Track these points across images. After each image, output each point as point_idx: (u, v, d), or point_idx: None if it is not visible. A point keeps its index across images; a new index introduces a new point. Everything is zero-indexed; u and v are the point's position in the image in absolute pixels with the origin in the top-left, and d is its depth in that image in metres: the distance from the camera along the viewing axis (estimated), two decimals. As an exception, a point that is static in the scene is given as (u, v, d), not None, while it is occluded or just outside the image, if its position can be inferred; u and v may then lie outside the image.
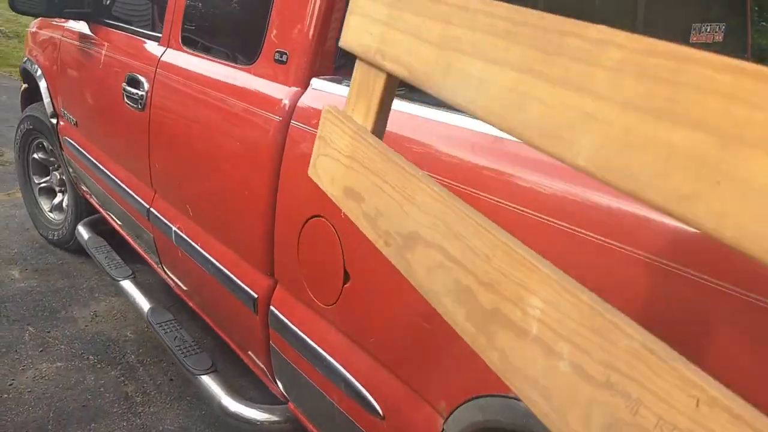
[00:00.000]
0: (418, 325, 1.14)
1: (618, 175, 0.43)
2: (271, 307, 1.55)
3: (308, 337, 1.42)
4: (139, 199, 2.19)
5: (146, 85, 2.08)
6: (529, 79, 0.51)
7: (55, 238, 3.29)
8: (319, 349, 1.38)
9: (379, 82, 0.76)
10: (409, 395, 1.18)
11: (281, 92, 1.53)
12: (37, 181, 3.43)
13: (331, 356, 1.36)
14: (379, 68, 0.75)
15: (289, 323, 1.48)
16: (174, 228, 1.96)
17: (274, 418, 1.77)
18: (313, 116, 1.42)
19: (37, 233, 3.43)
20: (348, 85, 1.38)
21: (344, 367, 1.32)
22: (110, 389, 2.33)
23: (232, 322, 1.82)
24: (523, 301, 0.49)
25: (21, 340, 2.56)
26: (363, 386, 1.28)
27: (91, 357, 2.50)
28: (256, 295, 1.60)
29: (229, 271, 1.71)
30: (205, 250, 1.81)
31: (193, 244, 1.86)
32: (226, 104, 1.69)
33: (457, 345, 1.07)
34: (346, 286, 1.31)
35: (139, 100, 2.10)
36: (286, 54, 1.55)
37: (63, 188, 3.33)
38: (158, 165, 2.03)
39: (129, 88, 2.15)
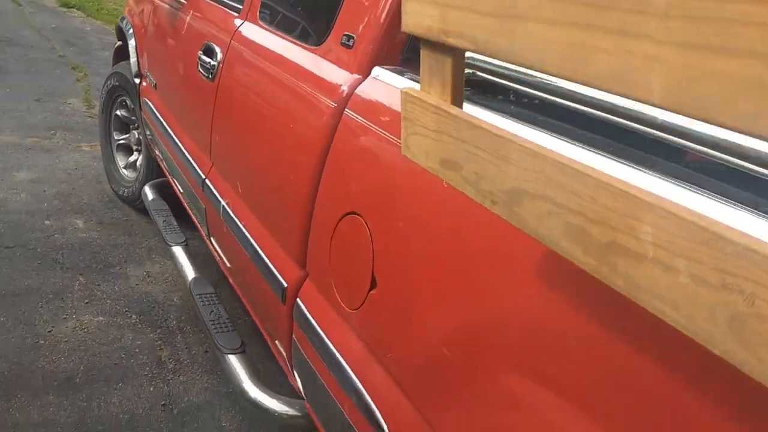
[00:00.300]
0: (439, 352, 1.04)
1: (691, 108, 0.47)
2: (298, 300, 1.48)
3: (328, 338, 1.34)
4: (198, 169, 2.17)
5: (219, 56, 2.05)
6: (591, 33, 0.54)
7: (124, 194, 3.35)
8: (337, 354, 1.30)
9: (447, 59, 0.79)
10: (422, 426, 1.08)
11: (341, 78, 1.45)
12: (116, 137, 3.51)
13: (347, 364, 1.27)
14: (445, 45, 0.78)
15: (312, 320, 1.41)
16: (223, 202, 1.93)
17: (292, 411, 1.71)
18: (366, 107, 1.34)
19: (108, 187, 3.51)
20: (411, 78, 1.31)
21: (359, 379, 1.24)
22: (145, 351, 2.33)
23: (262, 307, 1.77)
24: (635, 230, 0.54)
25: (69, 289, 2.61)
26: (375, 404, 1.19)
27: (133, 316, 2.52)
28: (285, 284, 1.54)
29: (265, 254, 1.65)
30: (246, 230, 1.76)
31: (237, 221, 1.81)
32: (286, 83, 1.64)
33: (476, 384, 0.96)
34: (371, 292, 1.22)
35: (211, 70, 2.07)
36: (353, 38, 1.47)
37: (139, 147, 3.39)
38: (218, 137, 2.00)
39: (204, 57, 2.13)
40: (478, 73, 1.18)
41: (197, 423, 2.06)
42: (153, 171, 3.11)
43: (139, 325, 2.47)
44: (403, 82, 1.29)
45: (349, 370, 1.26)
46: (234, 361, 1.86)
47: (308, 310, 1.44)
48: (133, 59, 3.10)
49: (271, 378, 2.24)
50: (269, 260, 1.63)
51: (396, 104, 1.25)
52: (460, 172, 0.77)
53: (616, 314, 0.77)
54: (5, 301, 2.46)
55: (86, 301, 2.56)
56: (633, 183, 0.55)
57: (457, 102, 0.82)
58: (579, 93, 0.93)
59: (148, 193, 2.88)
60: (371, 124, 1.29)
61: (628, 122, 0.85)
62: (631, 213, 0.54)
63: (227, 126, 1.95)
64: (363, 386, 1.22)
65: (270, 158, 1.67)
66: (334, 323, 1.34)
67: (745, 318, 0.45)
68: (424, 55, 0.84)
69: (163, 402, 2.12)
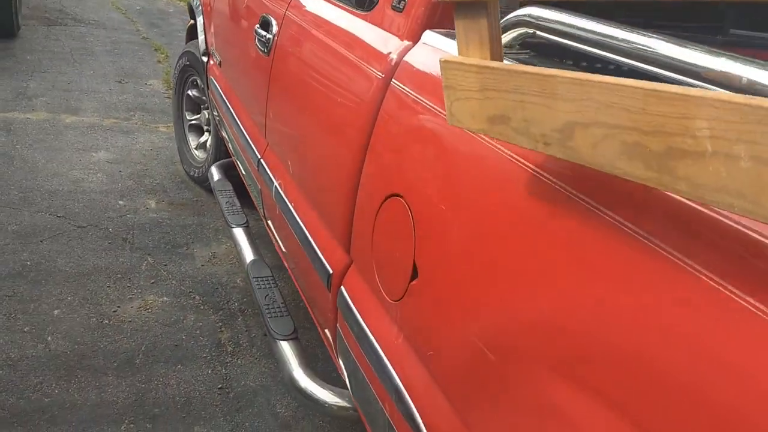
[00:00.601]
0: (483, 355, 0.91)
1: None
2: (342, 288, 1.38)
3: (370, 330, 1.23)
4: (254, 149, 2.10)
5: (275, 28, 1.96)
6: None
7: (195, 175, 3.35)
8: (378, 348, 1.19)
9: (481, 16, 0.79)
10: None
11: (390, 45, 1.32)
12: (188, 118, 3.51)
13: (388, 360, 1.16)
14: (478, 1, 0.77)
15: (355, 310, 1.30)
16: (275, 183, 1.85)
17: (342, 402, 1.61)
18: (413, 76, 1.21)
19: (181, 168, 3.53)
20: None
21: (399, 377, 1.12)
22: (206, 333, 2.30)
23: (311, 293, 1.68)
24: (690, 129, 0.54)
25: (137, 269, 2.62)
26: (415, 406, 1.07)
27: (197, 297, 2.50)
28: (331, 271, 1.44)
29: (312, 238, 1.56)
30: (296, 212, 1.68)
31: (288, 203, 1.73)
32: (335, 53, 1.52)
33: (524, 393, 0.83)
34: (412, 283, 1.10)
35: (267, 44, 1.99)
36: (404, 0, 1.34)
37: (209, 127, 3.38)
38: (272, 114, 1.92)
39: (260, 31, 2.05)
40: (539, 33, 1.02)
41: (252, 408, 2.01)
42: (221, 152, 3.09)
43: (202, 307, 2.45)
44: (454, 46, 1.15)
45: (390, 367, 1.15)
46: (286, 347, 1.79)
47: (352, 300, 1.33)
48: (200, 37, 3.07)
49: (324, 366, 2.17)
50: (316, 244, 1.53)
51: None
52: (509, 125, 0.76)
53: (683, 326, 0.62)
54: (74, 281, 2.48)
55: (152, 281, 2.56)
56: (677, 85, 0.55)
57: (497, 57, 0.81)
58: (650, 51, 0.77)
59: (214, 173, 2.84)
60: (417, 95, 1.16)
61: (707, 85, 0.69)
62: (684, 113, 0.54)
63: (280, 102, 1.86)
64: (404, 386, 1.11)
65: (318, 135, 1.57)
66: (377, 314, 1.23)
67: None
68: (458, 20, 0.84)
69: (220, 385, 2.08)
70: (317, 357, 2.25)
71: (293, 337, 1.82)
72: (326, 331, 1.60)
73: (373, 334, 1.22)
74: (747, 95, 0.50)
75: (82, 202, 3.08)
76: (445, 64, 0.85)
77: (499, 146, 0.93)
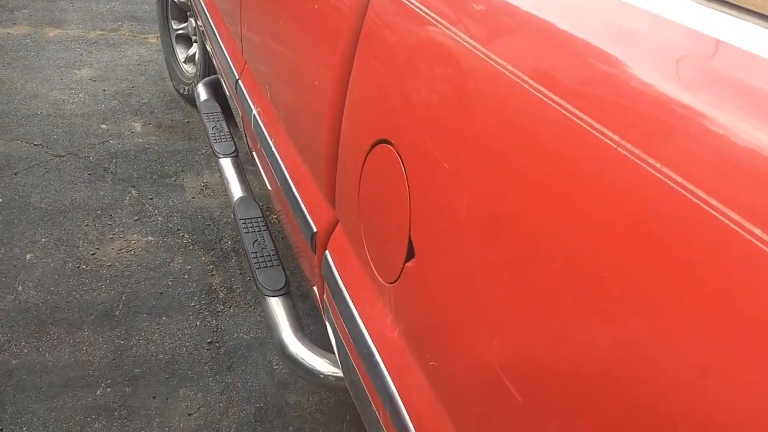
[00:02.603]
0: (494, 379, 0.63)
1: None
2: (327, 253, 1.10)
3: (361, 317, 0.96)
4: (233, 67, 1.78)
5: None
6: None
7: (185, 92, 3.03)
8: (370, 342, 0.92)
9: None
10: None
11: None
12: (174, 27, 3.15)
13: (381, 359, 0.89)
14: None
15: (342, 286, 1.02)
16: (254, 110, 1.54)
17: (340, 373, 1.37)
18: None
19: (170, 84, 3.20)
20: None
21: (396, 385, 0.86)
22: (194, 278, 2.06)
23: (298, 249, 1.40)
24: None
25: (120, 204, 2.36)
26: (413, 423, 0.81)
27: (186, 235, 2.24)
28: (315, 229, 1.15)
29: (295, 186, 1.26)
30: (276, 150, 1.37)
31: (267, 137, 1.43)
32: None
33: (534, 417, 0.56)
34: (408, 264, 0.81)
35: (239, -62, 1.62)
36: None
37: (198, 38, 3.02)
38: (246, 26, 1.58)
39: None
40: None
41: (245, 365, 1.79)
42: (210, 66, 2.75)
43: (191, 247, 2.20)
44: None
45: (386, 373, 0.88)
46: (275, 304, 1.53)
47: (338, 270, 1.05)
48: (180, -64, 2.68)
49: (316, 330, 1.93)
50: (299, 194, 1.24)
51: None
52: None
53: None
54: (49, 220, 2.24)
55: (136, 217, 2.30)
56: None
57: None
58: None
59: (201, 92, 2.52)
60: (409, 2, 0.83)
61: None
62: None
63: (255, 12, 1.52)
64: (401, 396, 0.84)
65: (295, 55, 1.24)
66: (368, 296, 0.95)
67: None
68: None
69: (209, 339, 1.86)
70: (314, 310, 2.01)
71: (283, 293, 1.56)
72: (315, 289, 1.34)
73: (364, 323, 0.94)
74: None
75: (61, 127, 2.79)
76: None
77: (517, 73, 0.61)
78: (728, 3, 0.50)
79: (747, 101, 0.43)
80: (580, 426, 0.53)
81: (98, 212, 2.30)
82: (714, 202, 0.42)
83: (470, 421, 0.71)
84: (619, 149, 0.49)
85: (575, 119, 0.54)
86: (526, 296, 0.60)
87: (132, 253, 2.13)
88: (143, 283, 2.02)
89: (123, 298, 1.95)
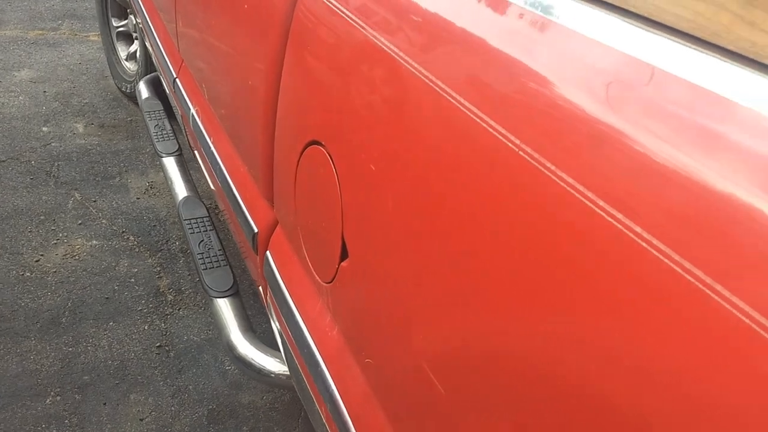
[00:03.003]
0: (424, 374, 0.64)
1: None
2: (268, 253, 1.09)
3: (302, 318, 0.95)
4: (170, 65, 1.75)
5: None
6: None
7: (128, 90, 2.97)
8: (311, 343, 0.92)
9: None
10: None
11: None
12: (115, 24, 3.08)
13: (322, 359, 0.89)
14: None
15: (284, 287, 1.02)
16: (192, 110, 1.52)
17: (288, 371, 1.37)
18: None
19: (113, 83, 3.13)
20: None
21: (335, 383, 0.86)
22: (141, 281, 2.03)
23: (242, 248, 1.39)
24: None
25: (63, 208, 2.30)
26: (352, 421, 0.81)
27: (131, 238, 2.20)
28: (256, 229, 1.15)
29: (235, 185, 1.25)
30: (215, 149, 1.36)
31: (206, 136, 1.41)
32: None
33: (480, 414, 0.57)
34: (343, 263, 0.81)
35: (171, -66, 1.59)
36: None
37: (138, 35, 2.96)
38: (181, 24, 1.56)
39: None
40: None
41: (196, 368, 1.77)
42: (151, 63, 2.69)
43: (137, 249, 2.16)
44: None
45: (326, 372, 0.88)
46: (223, 305, 1.52)
47: (279, 271, 1.05)
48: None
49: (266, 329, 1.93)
50: (239, 194, 1.23)
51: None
52: None
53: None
54: (-11, 227, 2.17)
55: (80, 221, 2.25)
56: None
57: None
58: None
59: (143, 90, 2.48)
60: (335, 4, 0.83)
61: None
62: None
63: (188, 10, 1.49)
64: (341, 395, 0.85)
65: (228, 54, 1.23)
66: (308, 296, 0.95)
67: None
68: None
69: (158, 343, 1.83)
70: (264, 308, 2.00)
71: (232, 293, 1.55)
72: (260, 289, 1.33)
73: (305, 323, 0.94)
74: None
75: (0, 131, 2.71)
76: None
77: (433, 78, 0.62)
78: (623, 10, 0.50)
79: (639, 107, 0.44)
80: (501, 415, 0.54)
81: (41, 218, 2.24)
82: (602, 203, 0.43)
83: (403, 416, 0.71)
84: (520, 152, 0.50)
85: (481, 122, 0.55)
86: (448, 294, 0.60)
87: (77, 258, 2.09)
88: (89, 288, 1.98)
89: (69, 304, 1.91)
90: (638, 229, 0.40)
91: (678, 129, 0.41)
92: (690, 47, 0.44)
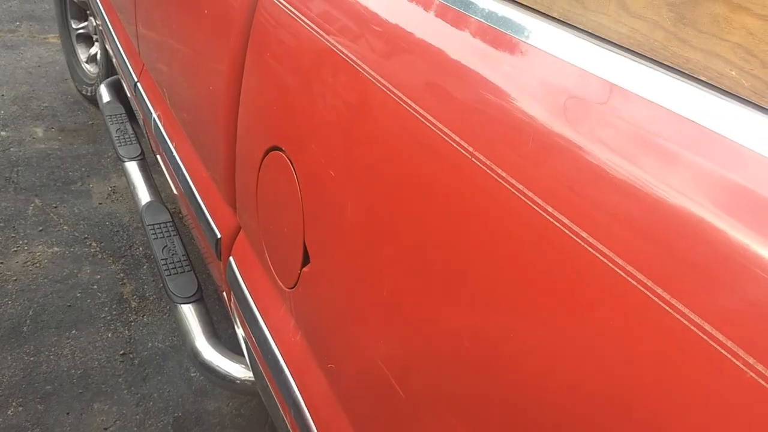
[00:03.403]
0: (384, 378, 0.65)
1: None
2: (231, 259, 1.09)
3: (265, 323, 0.96)
4: (131, 69, 1.73)
5: None
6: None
7: (89, 93, 2.92)
8: (275, 348, 0.92)
9: None
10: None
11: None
12: (74, 26, 3.03)
13: (286, 365, 0.90)
14: None
15: (247, 292, 1.02)
16: (154, 114, 1.51)
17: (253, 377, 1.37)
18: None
19: (73, 86, 3.09)
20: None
21: (299, 389, 0.87)
22: (104, 288, 2.00)
23: (205, 253, 1.39)
24: None
25: (23, 215, 2.26)
26: (316, 426, 0.82)
27: (93, 244, 2.18)
28: (219, 235, 1.15)
29: (197, 191, 1.25)
30: (178, 154, 1.35)
31: (168, 141, 1.40)
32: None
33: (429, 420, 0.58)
34: (305, 269, 0.82)
35: (130, -63, 1.58)
36: None
37: (99, 37, 2.92)
38: (141, 27, 1.54)
39: None
40: None
41: (161, 375, 1.76)
42: (112, 65, 2.66)
43: (100, 255, 2.13)
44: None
45: (289, 377, 0.88)
46: (187, 312, 1.51)
47: (242, 277, 1.05)
48: (72, -69, 2.57)
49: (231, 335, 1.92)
50: (202, 199, 1.23)
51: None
52: None
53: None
54: (-55, 235, 2.13)
55: (40, 228, 2.22)
56: None
57: None
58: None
59: (104, 93, 2.44)
60: (294, 11, 0.84)
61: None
62: None
63: (149, 14, 1.48)
64: (304, 400, 0.85)
65: (187, 56, 1.23)
66: (271, 302, 0.96)
67: None
68: None
69: (122, 351, 1.81)
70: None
71: (196, 299, 1.54)
72: (224, 295, 1.33)
73: (268, 329, 0.95)
74: None
75: (-44, 136, 2.65)
76: None
77: (390, 87, 0.63)
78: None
79: (585, 117, 0.46)
80: (461, 416, 0.56)
81: (1, 224, 2.20)
82: (550, 209, 0.44)
83: (367, 421, 0.72)
84: (473, 159, 0.51)
85: (436, 129, 0.56)
86: (407, 299, 0.61)
87: (38, 265, 2.06)
88: (51, 296, 1.95)
89: (30, 313, 1.88)
90: (584, 234, 0.42)
91: (617, 137, 0.43)
92: (634, 61, 0.46)
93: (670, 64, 0.43)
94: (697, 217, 0.38)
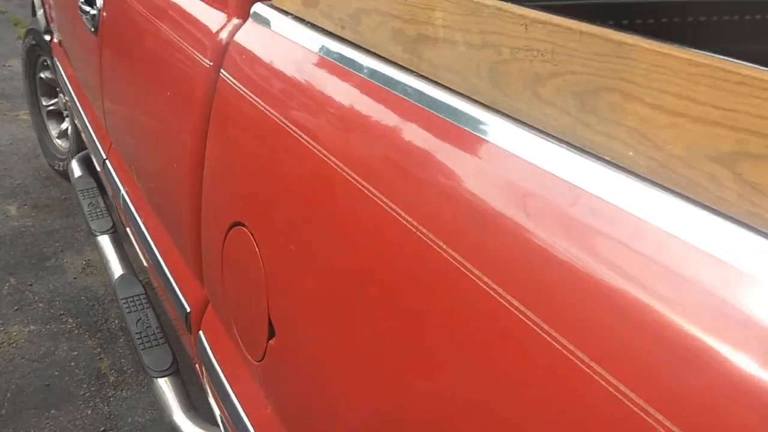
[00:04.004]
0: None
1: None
2: (201, 333, 1.11)
3: (236, 397, 0.97)
4: (99, 146, 1.77)
5: (99, 1, 1.61)
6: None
7: (61, 168, 2.95)
8: (248, 423, 0.93)
9: None
10: None
11: (216, 23, 1.03)
12: (44, 103, 3.08)
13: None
14: None
15: (217, 367, 1.04)
16: (122, 191, 1.54)
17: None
18: (244, 66, 0.92)
19: (45, 161, 3.11)
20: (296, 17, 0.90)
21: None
22: (82, 364, 1.99)
23: (177, 325, 1.40)
24: (432, 18, 0.63)
25: (-3, 295, 2.26)
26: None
27: (70, 320, 2.17)
28: (188, 309, 1.16)
29: (167, 266, 1.27)
30: (147, 230, 1.38)
31: (137, 217, 1.43)
32: (161, 35, 1.21)
33: None
34: (271, 342, 0.84)
35: (93, 21, 1.63)
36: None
37: (69, 112, 2.96)
38: (108, 107, 1.59)
39: (84, 7, 1.68)
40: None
41: (143, 450, 1.74)
42: (82, 141, 2.69)
43: (76, 331, 2.13)
44: (291, 26, 0.87)
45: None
46: (163, 385, 1.51)
47: (212, 350, 1.06)
48: (39, 12, 2.64)
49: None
50: (171, 274, 1.25)
51: (283, 60, 0.84)
52: (317, 7, 0.83)
53: None
54: None
55: (16, 307, 2.21)
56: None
57: None
58: None
59: (75, 168, 2.46)
60: (247, 91, 0.88)
61: None
62: (428, 4, 0.62)
63: (114, 94, 1.53)
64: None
65: (152, 137, 1.27)
66: (241, 375, 0.97)
67: (497, 66, 0.55)
68: None
69: (102, 428, 1.79)
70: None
71: (172, 372, 1.54)
72: (197, 367, 1.33)
73: (239, 402, 0.96)
74: None
75: (-73, 218, 2.65)
76: None
77: (339, 162, 0.67)
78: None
79: (503, 192, 0.50)
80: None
81: (-26, 306, 2.19)
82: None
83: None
84: (425, 239, 0.55)
85: (387, 208, 0.60)
86: (373, 370, 0.64)
87: (14, 345, 2.04)
88: (29, 376, 1.93)
89: (8, 395, 1.86)
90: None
91: (537, 211, 0.47)
92: (551, 143, 0.50)
93: (579, 145, 0.47)
94: (597, 279, 0.41)
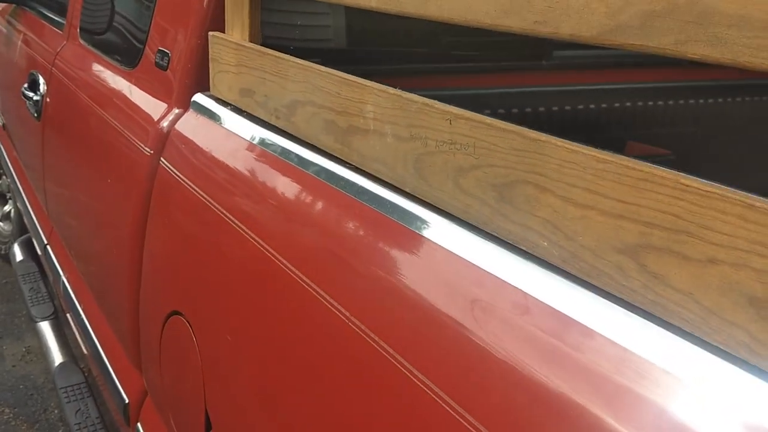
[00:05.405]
0: None
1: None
2: (138, 425, 1.07)
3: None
4: (40, 231, 1.73)
5: (43, 88, 1.61)
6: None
7: (2, 252, 2.87)
8: None
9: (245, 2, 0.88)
10: None
11: (156, 112, 1.04)
12: (-14, 186, 3.01)
13: None
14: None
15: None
16: (63, 277, 1.50)
17: None
18: (183, 156, 0.93)
19: (-14, 245, 3.02)
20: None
21: None
22: (17, 458, 1.89)
23: (116, 416, 1.35)
24: (363, 111, 0.65)
25: (-70, 389, 2.14)
26: None
27: (6, 410, 2.07)
28: (126, 400, 1.13)
29: (105, 355, 1.24)
30: (86, 318, 1.34)
31: (77, 304, 1.39)
32: (102, 123, 1.21)
33: None
34: (208, 435, 0.82)
35: (37, 107, 1.63)
36: (167, 55, 1.05)
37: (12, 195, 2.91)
38: (49, 189, 1.57)
39: (27, 93, 1.68)
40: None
41: None
42: (25, 224, 2.64)
43: (13, 422, 2.02)
44: (229, 116, 0.89)
45: None
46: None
47: (151, 445, 1.03)
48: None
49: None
50: (110, 364, 1.21)
51: (221, 150, 0.86)
52: (253, 98, 0.86)
53: None
54: None
55: (-50, 401, 2.10)
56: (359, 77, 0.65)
57: (255, 40, 0.89)
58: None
59: (17, 252, 2.40)
60: (186, 180, 0.89)
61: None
62: (360, 98, 0.65)
63: (55, 180, 1.52)
64: None
65: (92, 225, 1.25)
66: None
67: (423, 157, 0.58)
68: (227, 3, 0.92)
69: None
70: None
71: (112, 466, 1.48)
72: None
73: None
74: (399, 91, 0.61)
75: None
76: (213, 38, 0.94)
77: (266, 245, 0.67)
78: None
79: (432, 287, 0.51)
80: None
81: None
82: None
83: None
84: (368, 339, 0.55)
85: (326, 302, 0.60)
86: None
87: (-57, 441, 1.93)
88: (-42, 474, 1.82)
89: (-69, 496, 1.75)
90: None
91: (455, 300, 0.48)
92: (470, 232, 0.51)
93: (497, 235, 0.49)
94: (500, 358, 0.42)
